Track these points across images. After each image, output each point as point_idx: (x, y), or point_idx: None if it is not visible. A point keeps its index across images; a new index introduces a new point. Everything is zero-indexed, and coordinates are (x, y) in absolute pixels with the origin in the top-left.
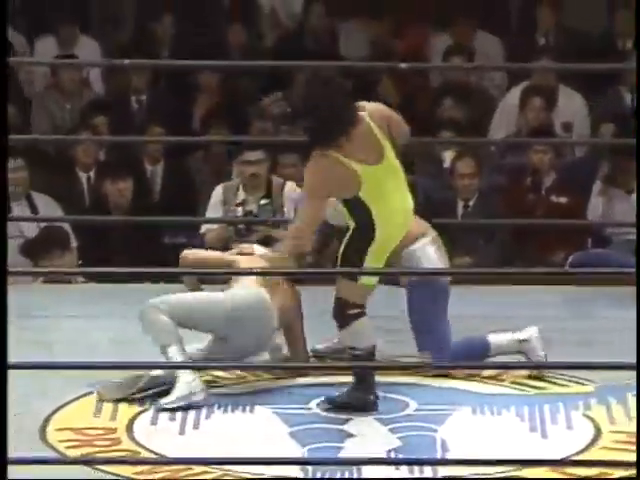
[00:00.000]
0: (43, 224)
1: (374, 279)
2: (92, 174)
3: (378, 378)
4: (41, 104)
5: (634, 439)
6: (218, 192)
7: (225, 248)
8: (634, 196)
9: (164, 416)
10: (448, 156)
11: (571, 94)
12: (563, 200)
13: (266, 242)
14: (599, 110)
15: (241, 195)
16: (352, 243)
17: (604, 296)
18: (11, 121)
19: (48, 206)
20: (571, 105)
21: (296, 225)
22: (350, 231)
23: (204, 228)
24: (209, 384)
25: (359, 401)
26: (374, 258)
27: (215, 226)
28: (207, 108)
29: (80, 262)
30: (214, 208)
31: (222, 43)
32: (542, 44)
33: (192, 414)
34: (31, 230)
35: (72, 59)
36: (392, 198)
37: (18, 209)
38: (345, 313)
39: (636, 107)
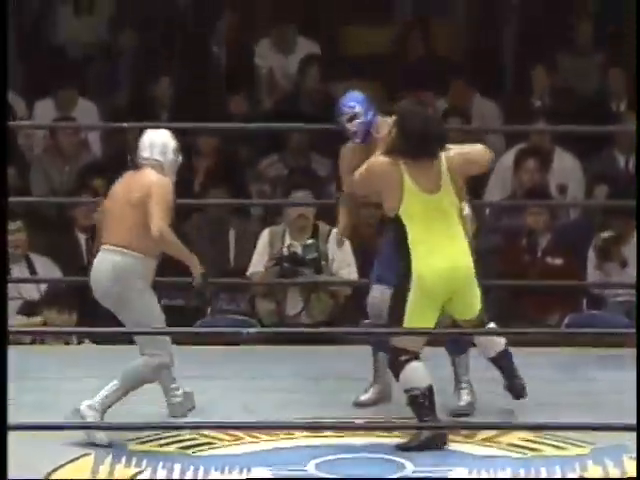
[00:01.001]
0: (42, 285)
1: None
2: (91, 235)
3: (376, 440)
4: (40, 167)
5: None
6: (265, 236)
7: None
8: (628, 269)
9: (161, 477)
10: None
11: (566, 156)
12: (558, 262)
13: None
14: (593, 172)
15: (287, 239)
16: (396, 291)
17: (595, 358)
18: (10, 183)
19: (47, 267)
20: (566, 167)
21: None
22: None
23: (250, 271)
24: (207, 445)
25: (427, 439)
26: (416, 310)
27: (261, 270)
28: (206, 171)
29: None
30: (261, 251)
31: (222, 107)
32: (537, 106)
33: (190, 474)
34: (30, 291)
35: (70, 122)
36: (436, 239)
37: (17, 270)
38: (398, 360)
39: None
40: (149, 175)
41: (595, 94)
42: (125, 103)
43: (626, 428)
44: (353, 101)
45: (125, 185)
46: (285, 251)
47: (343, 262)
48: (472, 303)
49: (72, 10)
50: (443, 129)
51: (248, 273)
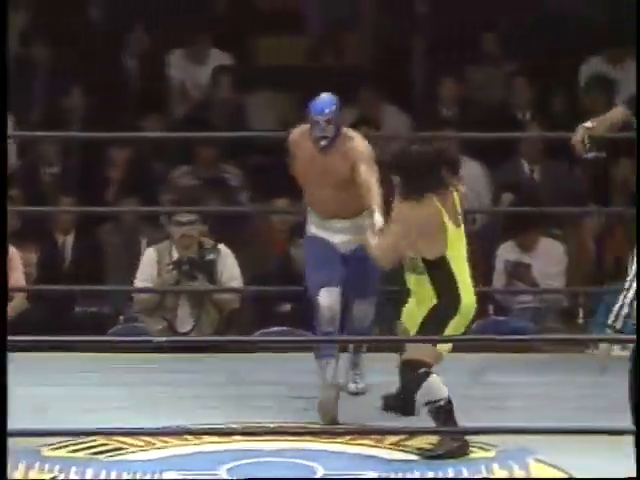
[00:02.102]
0: None
1: (449, 346)
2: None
3: (286, 445)
4: None
5: None
6: (151, 252)
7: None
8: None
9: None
10: None
11: (472, 164)
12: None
13: None
14: (499, 180)
15: (175, 254)
16: (436, 315)
17: (502, 363)
18: None
19: None
20: (472, 175)
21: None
22: (433, 301)
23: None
24: (118, 450)
25: (455, 448)
26: (453, 330)
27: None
28: (119, 182)
29: None
30: (149, 267)
31: (134, 119)
32: (445, 115)
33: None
34: None
35: None
36: (465, 268)
37: None
38: (418, 373)
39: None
40: None
41: (500, 104)
42: (39, 115)
43: (625, 432)
44: (329, 105)
45: None
46: (183, 257)
47: (232, 275)
48: None
49: None
50: (450, 154)
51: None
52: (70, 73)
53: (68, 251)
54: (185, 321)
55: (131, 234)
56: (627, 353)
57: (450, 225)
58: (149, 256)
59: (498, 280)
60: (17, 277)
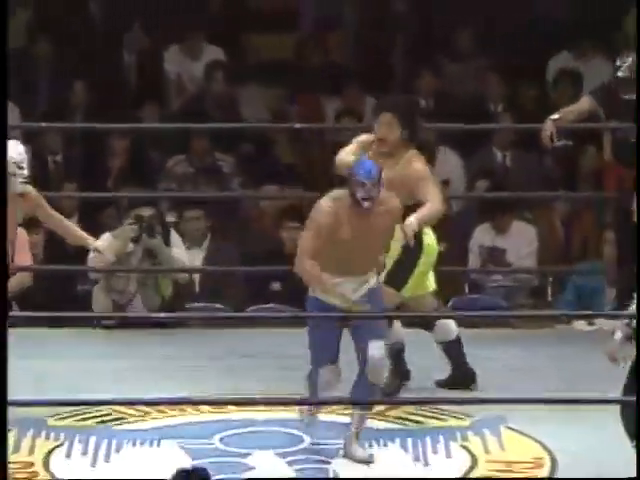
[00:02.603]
0: None
1: (409, 292)
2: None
3: (276, 415)
4: None
5: (509, 468)
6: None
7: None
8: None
9: (77, 450)
10: None
11: (449, 154)
12: (442, 248)
13: None
14: (474, 168)
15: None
16: (406, 256)
17: (475, 337)
18: None
19: None
20: (449, 163)
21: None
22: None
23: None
24: (119, 420)
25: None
26: (423, 267)
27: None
28: (118, 170)
29: None
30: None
31: (133, 110)
32: (423, 107)
33: (103, 448)
34: None
35: None
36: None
37: None
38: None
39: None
40: None
41: (474, 97)
42: (44, 108)
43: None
44: (375, 168)
45: None
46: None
47: (180, 250)
48: None
49: None
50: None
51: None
52: (72, 68)
53: None
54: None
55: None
56: (592, 328)
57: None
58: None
59: (474, 261)
60: (24, 257)
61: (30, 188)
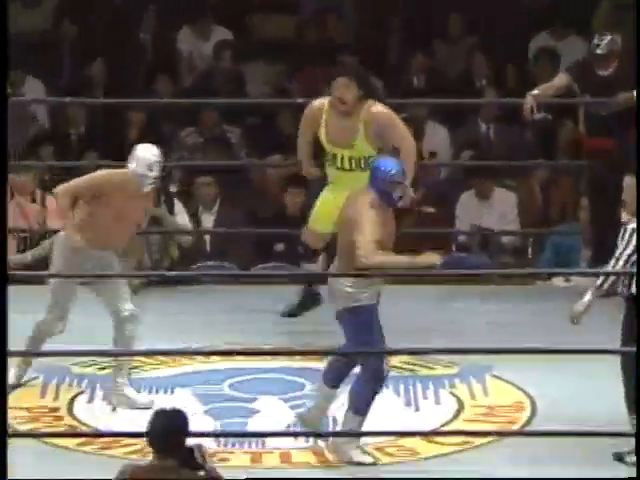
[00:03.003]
0: None
1: (325, 229)
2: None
3: (277, 364)
4: None
5: (492, 412)
6: None
7: None
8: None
9: (99, 395)
10: None
11: (437, 127)
12: (431, 210)
13: None
14: (460, 139)
15: None
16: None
17: (464, 292)
18: None
19: None
20: (436, 136)
21: None
22: None
23: None
24: (137, 368)
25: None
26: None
27: None
28: (134, 141)
29: None
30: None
31: (148, 86)
32: (415, 84)
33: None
34: None
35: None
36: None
37: None
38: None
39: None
40: None
41: (461, 75)
42: (67, 82)
43: (625, 352)
44: (400, 168)
45: None
46: None
47: (183, 217)
48: None
49: (21, 5)
50: None
51: None
52: (94, 48)
53: None
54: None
55: None
56: (569, 284)
57: None
58: None
59: (461, 222)
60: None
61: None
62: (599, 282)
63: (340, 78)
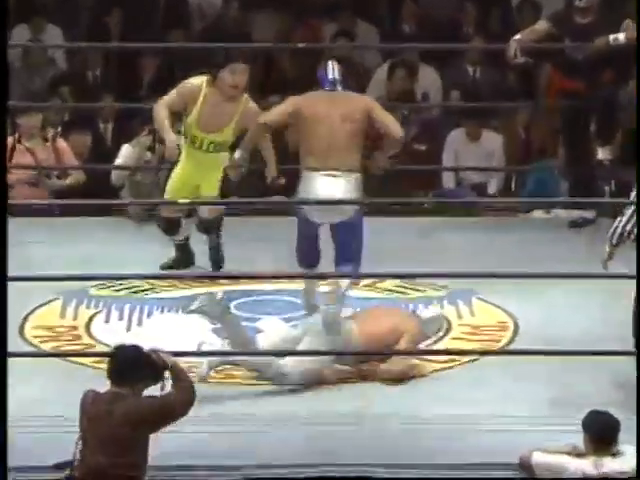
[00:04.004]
0: None
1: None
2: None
3: (280, 286)
4: (17, 78)
5: (476, 330)
6: (127, 149)
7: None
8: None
9: (115, 316)
10: None
11: (428, 69)
12: (423, 147)
13: None
14: (448, 80)
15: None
16: None
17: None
18: None
19: None
20: (428, 77)
21: None
22: None
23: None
24: (149, 290)
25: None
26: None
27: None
28: (149, 83)
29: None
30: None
31: (161, 32)
32: (406, 31)
33: (136, 314)
34: None
35: (41, 43)
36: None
37: None
38: None
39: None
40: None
41: (450, 22)
42: (85, 29)
43: (627, 277)
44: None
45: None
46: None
47: None
48: None
49: None
50: None
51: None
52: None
53: (109, 136)
54: None
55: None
56: (549, 216)
57: None
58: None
59: (448, 159)
60: (69, 158)
61: None
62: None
63: (241, 65)
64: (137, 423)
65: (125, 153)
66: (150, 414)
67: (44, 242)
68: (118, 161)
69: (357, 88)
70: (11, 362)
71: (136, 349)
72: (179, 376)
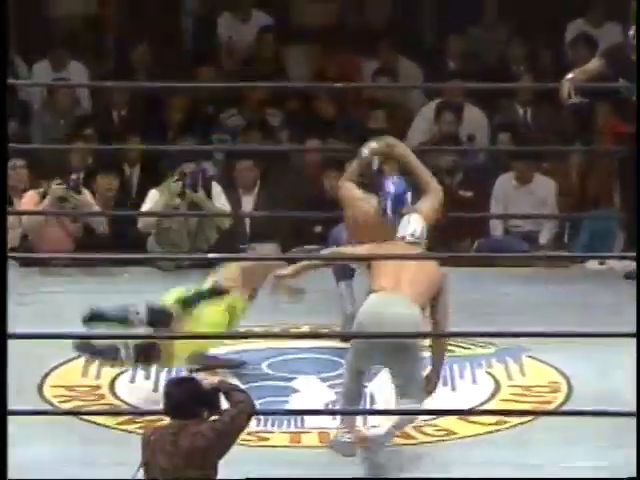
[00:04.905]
0: None
1: None
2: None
3: (316, 343)
4: (39, 119)
5: (527, 392)
6: (155, 194)
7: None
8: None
9: (141, 375)
10: (376, 160)
11: (474, 109)
12: (469, 194)
13: None
14: (497, 122)
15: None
16: None
17: (500, 275)
18: (12, 133)
19: None
20: (474, 118)
21: None
22: None
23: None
24: None
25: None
26: None
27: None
28: (177, 124)
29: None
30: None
31: (191, 70)
32: (452, 68)
33: (164, 374)
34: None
35: (64, 81)
36: None
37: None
38: None
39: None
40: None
41: (498, 59)
42: (110, 67)
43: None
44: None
45: None
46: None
47: (221, 200)
48: None
49: None
50: None
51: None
52: (137, 31)
53: (134, 181)
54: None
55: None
56: (603, 267)
57: None
58: (153, 195)
59: (496, 206)
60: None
61: None
62: None
63: None
64: (205, 449)
65: (153, 198)
66: (215, 437)
67: (63, 293)
68: (145, 207)
69: (399, 131)
70: (27, 421)
71: (187, 383)
72: (231, 393)
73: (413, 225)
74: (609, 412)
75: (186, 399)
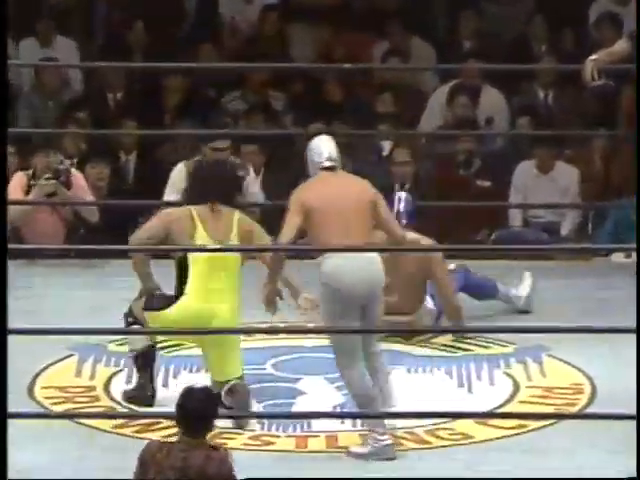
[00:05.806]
0: None
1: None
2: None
3: (321, 342)
4: (26, 100)
5: (548, 394)
6: (181, 167)
7: None
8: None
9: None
10: (387, 146)
11: (492, 91)
12: (487, 184)
13: None
14: (516, 105)
15: None
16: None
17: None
18: None
19: None
20: (492, 101)
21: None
22: None
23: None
24: (176, 347)
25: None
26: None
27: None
28: (174, 105)
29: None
30: (178, 180)
31: (190, 50)
32: (467, 48)
33: (161, 374)
34: None
35: (53, 61)
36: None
37: None
38: None
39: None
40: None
41: (518, 38)
42: (103, 45)
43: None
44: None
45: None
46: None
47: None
48: None
49: None
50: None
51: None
52: (133, 8)
53: (131, 167)
54: None
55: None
56: (629, 260)
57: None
58: (180, 170)
59: (515, 195)
60: (82, 194)
61: None
62: None
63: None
64: (214, 476)
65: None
66: (227, 471)
67: (56, 286)
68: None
69: (411, 116)
70: (19, 425)
71: (205, 393)
72: None
73: None
74: (609, 415)
75: (199, 414)
